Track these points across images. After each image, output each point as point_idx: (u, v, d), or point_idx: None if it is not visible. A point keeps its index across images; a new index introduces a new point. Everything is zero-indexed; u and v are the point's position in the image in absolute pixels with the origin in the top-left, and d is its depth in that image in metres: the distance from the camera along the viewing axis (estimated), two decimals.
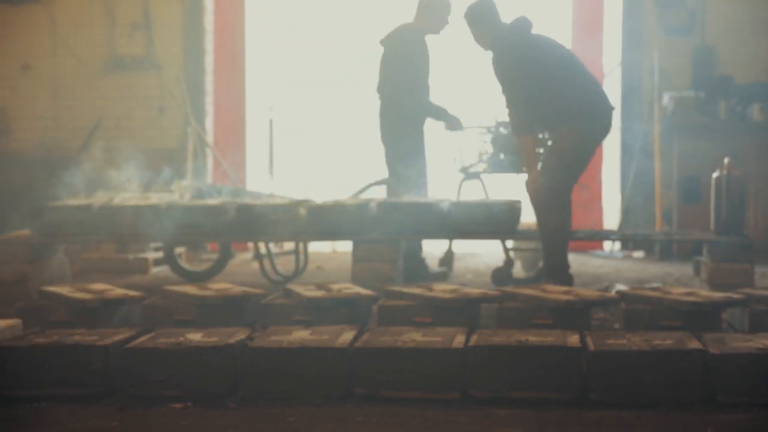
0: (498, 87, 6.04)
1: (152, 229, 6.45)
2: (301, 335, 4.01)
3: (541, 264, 6.62)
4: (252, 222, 6.39)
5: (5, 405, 3.74)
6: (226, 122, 9.57)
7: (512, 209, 6.40)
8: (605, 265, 8.05)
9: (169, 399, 3.77)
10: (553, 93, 5.90)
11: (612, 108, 6.03)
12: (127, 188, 8.02)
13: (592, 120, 5.93)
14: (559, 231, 5.96)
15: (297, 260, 7.10)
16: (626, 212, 8.45)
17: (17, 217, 7.50)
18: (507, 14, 6.13)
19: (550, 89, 5.91)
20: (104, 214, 6.50)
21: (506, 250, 6.91)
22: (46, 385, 3.83)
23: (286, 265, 7.98)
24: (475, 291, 5.06)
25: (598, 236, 7.42)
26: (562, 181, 5.94)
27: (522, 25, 6.04)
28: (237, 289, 5.13)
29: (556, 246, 5.99)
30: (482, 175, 7.04)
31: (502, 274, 6.74)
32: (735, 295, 4.82)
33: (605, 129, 6.03)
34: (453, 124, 6.98)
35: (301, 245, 7.06)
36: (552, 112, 5.93)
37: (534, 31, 6.06)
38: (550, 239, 5.97)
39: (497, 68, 5.99)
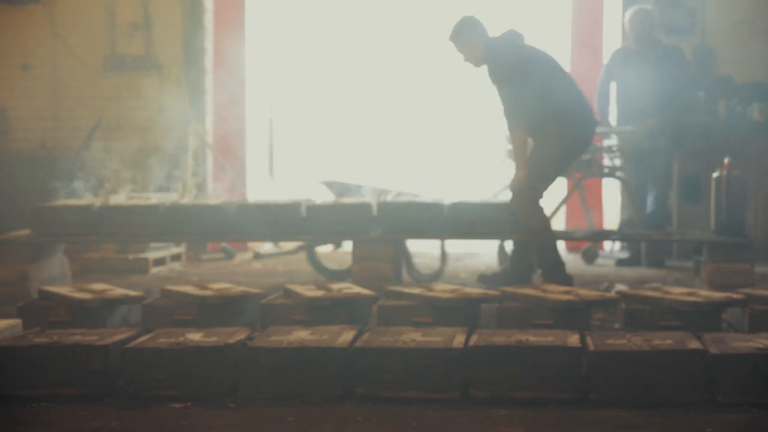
0: (494, 92, 6.13)
1: (155, 229, 6.45)
2: (301, 335, 4.01)
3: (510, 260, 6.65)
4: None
5: (5, 405, 3.74)
6: (226, 122, 9.56)
7: (512, 209, 6.40)
8: (605, 265, 8.05)
9: (169, 399, 3.77)
10: (542, 97, 6.01)
11: (596, 121, 6.18)
12: (127, 188, 8.02)
13: (574, 127, 6.07)
14: (546, 230, 6.06)
15: (443, 259, 7.08)
16: (626, 212, 8.43)
17: (17, 217, 7.50)
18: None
19: (539, 93, 6.01)
20: (104, 214, 6.51)
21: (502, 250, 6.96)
22: (46, 385, 3.83)
23: (288, 264, 7.97)
24: (475, 291, 5.07)
25: (598, 236, 7.43)
26: (541, 184, 6.05)
27: (512, 35, 6.17)
28: (237, 289, 5.13)
29: (546, 245, 6.05)
30: None
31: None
32: (735, 295, 4.82)
33: (587, 139, 6.18)
34: None
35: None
36: (539, 115, 6.02)
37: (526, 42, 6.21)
38: (539, 239, 6.05)
39: (494, 74, 6.11)
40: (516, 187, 6.03)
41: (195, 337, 4.01)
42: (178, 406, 3.72)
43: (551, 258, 6.04)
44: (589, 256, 8.02)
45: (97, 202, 6.82)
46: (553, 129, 6.01)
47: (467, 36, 6.13)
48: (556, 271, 6.00)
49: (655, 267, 7.83)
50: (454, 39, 6.21)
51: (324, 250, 9.38)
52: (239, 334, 4.07)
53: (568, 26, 9.28)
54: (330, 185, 7.41)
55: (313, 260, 7.11)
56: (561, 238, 6.87)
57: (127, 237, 6.64)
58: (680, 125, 7.90)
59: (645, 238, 7.36)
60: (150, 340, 3.99)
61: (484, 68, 6.14)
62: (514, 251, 6.49)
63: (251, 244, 9.14)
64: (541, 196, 6.13)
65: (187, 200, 7.14)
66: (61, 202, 6.96)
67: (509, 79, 6.01)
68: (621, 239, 7.61)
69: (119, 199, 6.98)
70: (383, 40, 10.77)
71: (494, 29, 6.20)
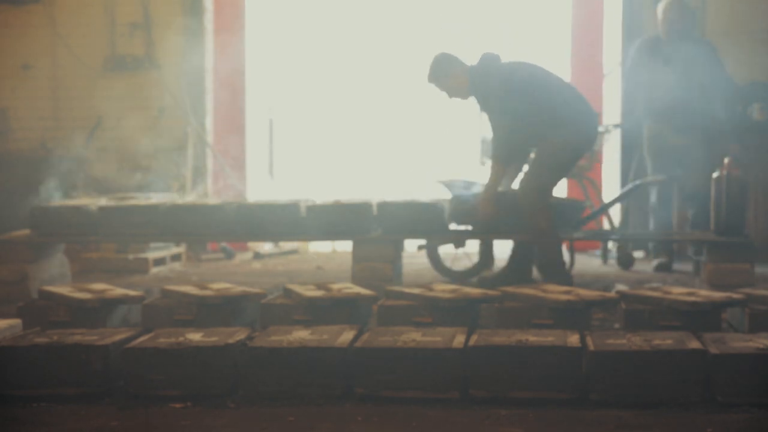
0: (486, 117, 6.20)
1: (155, 229, 6.44)
2: (301, 335, 4.01)
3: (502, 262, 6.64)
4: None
5: (5, 405, 3.74)
6: (226, 122, 9.56)
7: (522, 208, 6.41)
8: (605, 265, 8.05)
9: (169, 399, 3.77)
10: (539, 108, 6.05)
11: (595, 115, 6.19)
12: (127, 188, 8.02)
13: (577, 129, 6.08)
14: (550, 231, 6.07)
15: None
16: (626, 212, 8.44)
17: (17, 217, 7.50)
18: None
19: (536, 106, 6.04)
20: (104, 214, 6.50)
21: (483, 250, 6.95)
22: (46, 385, 3.83)
23: (288, 264, 7.97)
24: (475, 291, 5.07)
25: (598, 236, 7.43)
26: (546, 183, 6.05)
27: (490, 58, 6.17)
28: (237, 289, 5.13)
29: (550, 246, 6.07)
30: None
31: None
32: (735, 295, 4.82)
33: (590, 138, 6.20)
34: None
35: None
36: (537, 124, 6.05)
37: (505, 59, 6.25)
38: (543, 239, 6.06)
39: (482, 103, 6.19)
40: (525, 188, 6.05)
41: (195, 337, 4.01)
42: (178, 406, 3.72)
43: (554, 258, 6.06)
44: (625, 262, 7.81)
45: (97, 202, 6.81)
46: (557, 136, 6.03)
47: (451, 71, 6.15)
48: (557, 271, 6.01)
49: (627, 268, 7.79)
50: (436, 79, 6.19)
51: (323, 250, 9.39)
52: (239, 334, 4.07)
53: (569, 29, 9.29)
54: (449, 185, 7.31)
55: (435, 260, 7.05)
56: (562, 238, 6.87)
57: (127, 237, 6.64)
58: (713, 125, 7.74)
59: (645, 238, 7.36)
60: (150, 340, 3.99)
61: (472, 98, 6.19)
62: (514, 251, 6.49)
63: (251, 244, 9.14)
64: (549, 197, 6.14)
65: (187, 200, 7.14)
66: (61, 202, 6.96)
67: (503, 99, 6.03)
68: (621, 239, 7.59)
69: (119, 199, 6.97)
70: (383, 38, 10.77)
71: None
